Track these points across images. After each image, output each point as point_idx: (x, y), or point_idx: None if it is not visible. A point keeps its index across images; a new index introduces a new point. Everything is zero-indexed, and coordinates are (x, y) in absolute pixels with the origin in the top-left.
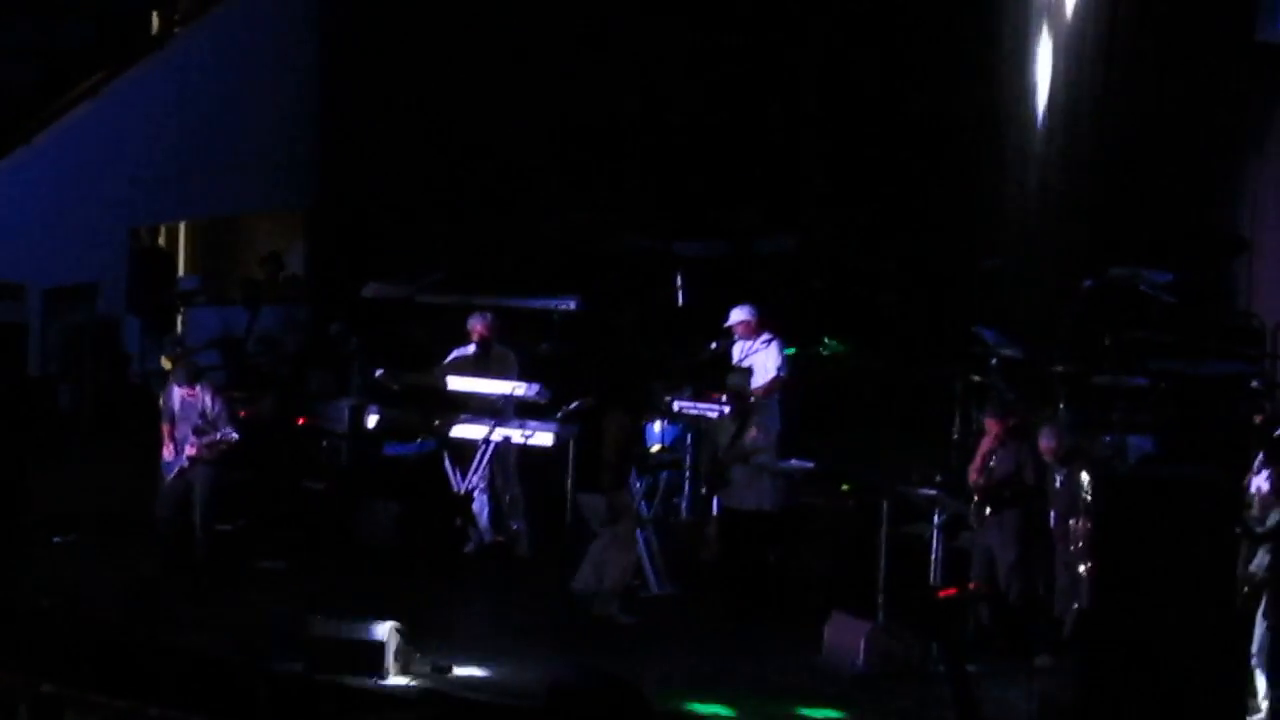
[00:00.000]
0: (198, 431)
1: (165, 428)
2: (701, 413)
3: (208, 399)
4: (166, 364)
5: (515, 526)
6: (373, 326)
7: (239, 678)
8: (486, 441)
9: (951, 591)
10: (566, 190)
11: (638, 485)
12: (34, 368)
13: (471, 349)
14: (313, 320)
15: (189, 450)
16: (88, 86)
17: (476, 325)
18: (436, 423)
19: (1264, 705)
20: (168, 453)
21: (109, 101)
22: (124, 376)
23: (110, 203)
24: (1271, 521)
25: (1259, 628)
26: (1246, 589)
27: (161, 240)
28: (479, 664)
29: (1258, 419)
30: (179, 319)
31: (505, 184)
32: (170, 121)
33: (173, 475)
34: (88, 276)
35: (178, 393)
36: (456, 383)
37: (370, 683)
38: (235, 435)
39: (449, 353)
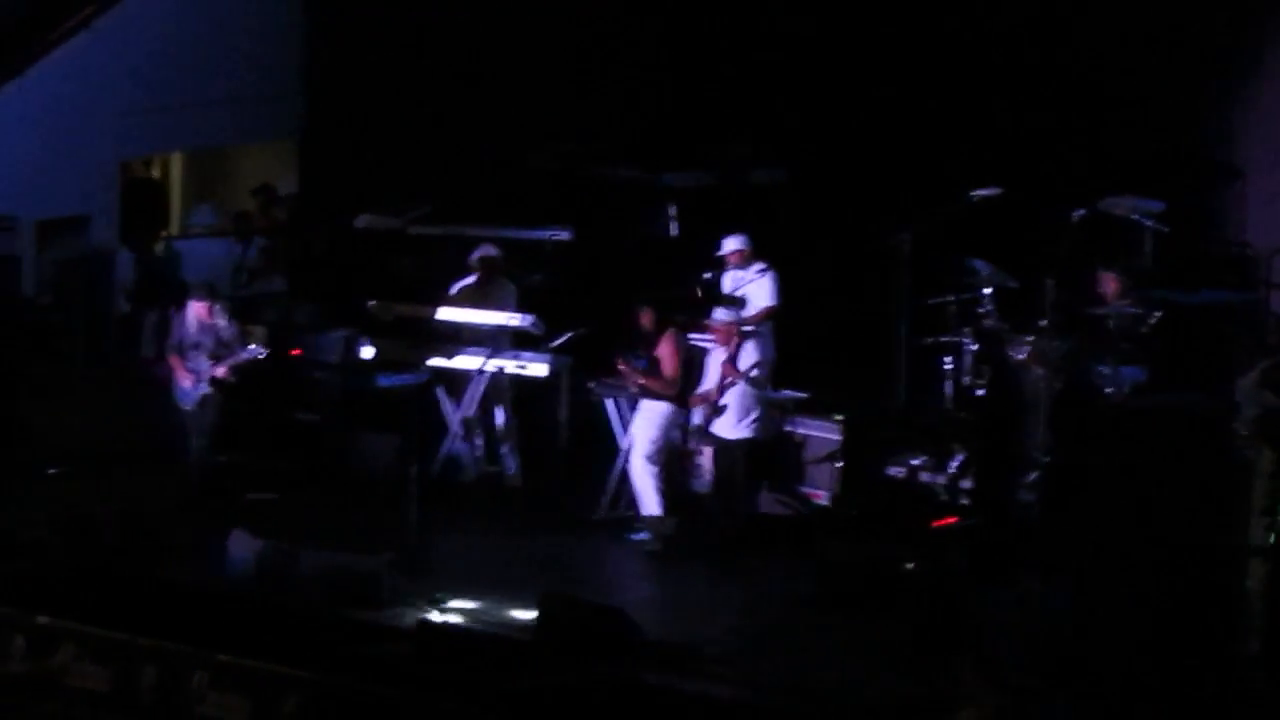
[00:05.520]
0: (214, 357)
1: (174, 359)
2: (695, 343)
3: (222, 321)
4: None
5: (508, 457)
6: (364, 257)
7: (235, 610)
8: (480, 372)
9: (947, 520)
10: (557, 120)
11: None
12: (26, 300)
13: (473, 279)
14: (304, 252)
15: (218, 372)
16: (78, 19)
17: (479, 256)
18: (429, 354)
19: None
20: (187, 382)
21: (99, 33)
22: (116, 308)
23: (101, 135)
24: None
25: None
26: None
27: (156, 172)
28: (472, 594)
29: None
30: (159, 248)
31: (496, 113)
32: (161, 52)
33: (195, 404)
34: (79, 208)
35: (194, 316)
36: (451, 313)
37: (364, 615)
38: (262, 352)
39: (440, 283)
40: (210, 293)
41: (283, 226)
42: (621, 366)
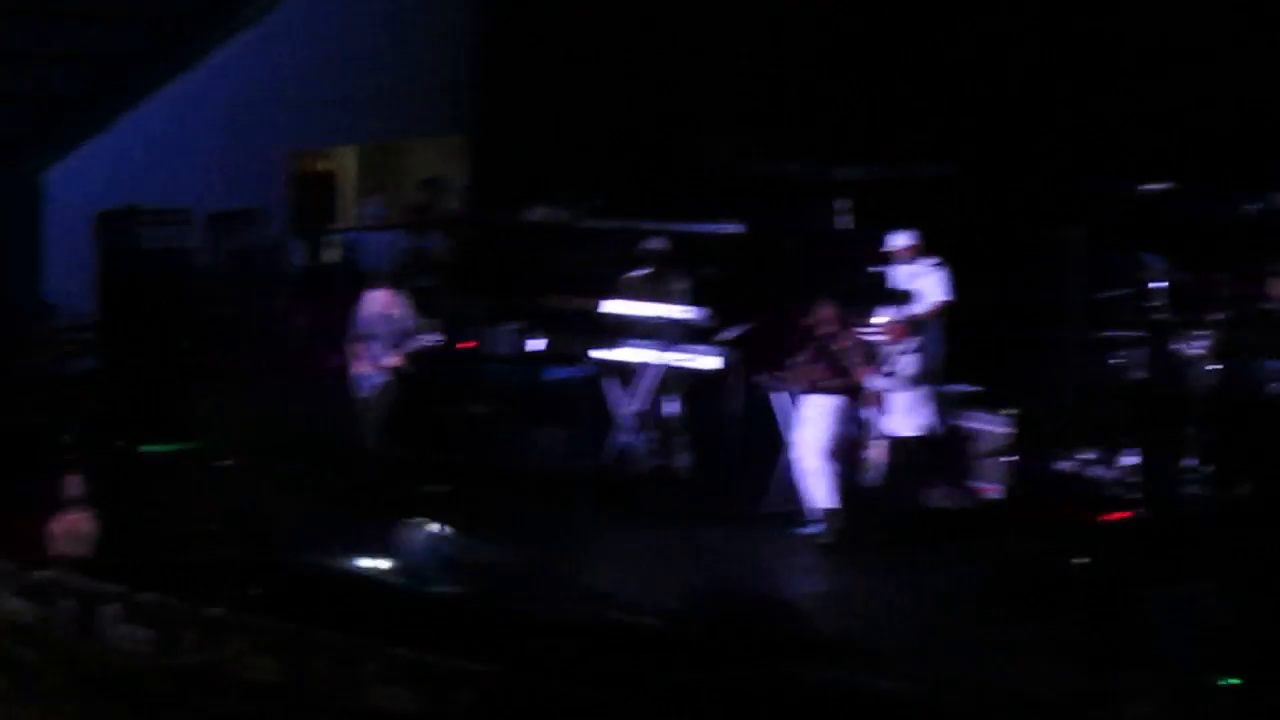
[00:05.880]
0: (392, 346)
1: (353, 347)
2: (867, 337)
3: (401, 311)
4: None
5: (679, 450)
6: (535, 249)
7: (406, 602)
8: (650, 365)
9: (1118, 515)
10: (727, 115)
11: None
12: (198, 292)
13: (644, 272)
14: (473, 245)
15: (391, 360)
16: (249, 13)
17: (651, 248)
18: (598, 346)
19: None
20: (365, 370)
21: (270, 28)
22: (287, 300)
23: (273, 128)
24: None
25: None
26: None
27: (328, 165)
28: (639, 588)
29: None
30: (332, 240)
31: (667, 106)
32: (332, 46)
33: (372, 392)
34: (251, 201)
35: (373, 306)
36: (623, 306)
37: (535, 608)
38: (438, 341)
39: (609, 276)
40: (390, 282)
41: (454, 219)
42: (798, 363)
